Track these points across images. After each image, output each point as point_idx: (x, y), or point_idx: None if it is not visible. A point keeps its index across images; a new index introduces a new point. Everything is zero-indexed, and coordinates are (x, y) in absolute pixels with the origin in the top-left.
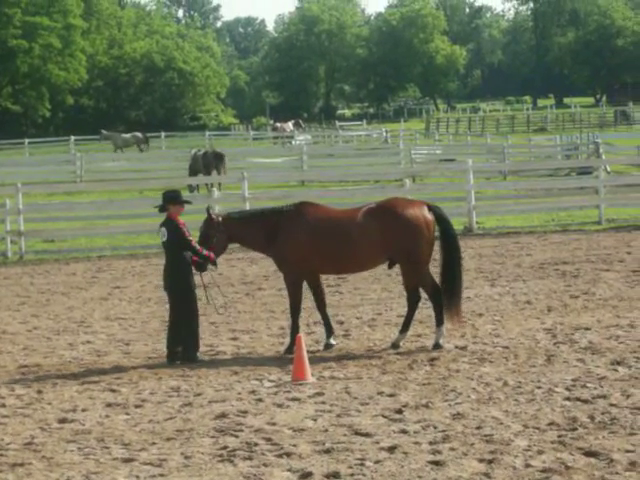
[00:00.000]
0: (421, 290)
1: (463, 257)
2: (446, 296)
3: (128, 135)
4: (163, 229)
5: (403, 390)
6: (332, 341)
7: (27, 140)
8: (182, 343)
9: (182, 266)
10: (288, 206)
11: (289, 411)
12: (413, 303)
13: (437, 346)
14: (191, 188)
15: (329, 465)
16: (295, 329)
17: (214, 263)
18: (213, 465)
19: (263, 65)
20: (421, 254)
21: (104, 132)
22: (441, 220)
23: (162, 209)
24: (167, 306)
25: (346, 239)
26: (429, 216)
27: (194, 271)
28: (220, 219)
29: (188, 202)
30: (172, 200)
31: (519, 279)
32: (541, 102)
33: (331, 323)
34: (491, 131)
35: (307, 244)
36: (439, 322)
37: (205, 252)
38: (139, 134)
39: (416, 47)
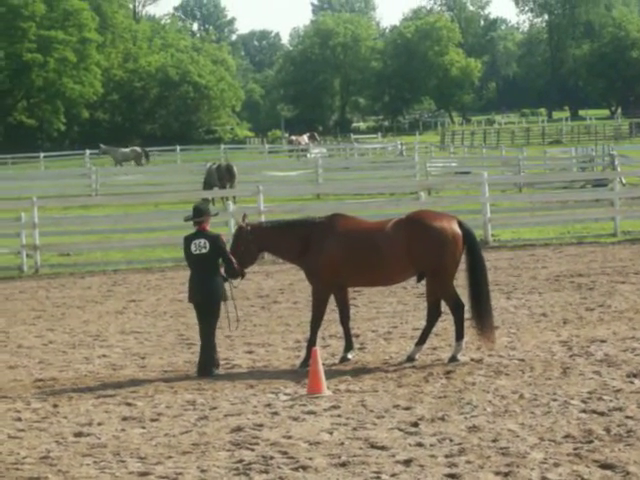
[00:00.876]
0: (443, 304)
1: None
2: (475, 314)
3: (127, 149)
4: (202, 240)
5: (419, 403)
6: (349, 355)
7: (42, 154)
8: (202, 355)
9: (219, 279)
10: (321, 217)
11: (305, 424)
12: (433, 317)
13: (454, 359)
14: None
15: (345, 478)
16: (312, 342)
17: (242, 274)
18: (229, 479)
19: (278, 78)
20: (447, 267)
21: (102, 146)
22: (468, 236)
23: (198, 222)
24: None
25: (375, 251)
26: (457, 230)
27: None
28: (249, 228)
29: (215, 214)
30: (206, 212)
31: (535, 291)
32: (556, 114)
33: (352, 338)
34: (506, 143)
35: (337, 256)
36: (459, 336)
37: (235, 265)
38: (138, 148)
39: (431, 60)
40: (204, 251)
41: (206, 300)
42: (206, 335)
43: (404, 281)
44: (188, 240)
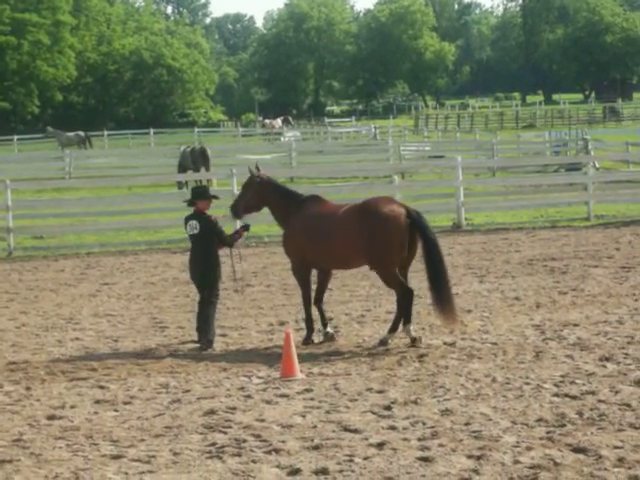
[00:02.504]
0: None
1: (451, 254)
2: (434, 298)
3: (71, 134)
4: (194, 222)
5: (392, 386)
6: (329, 330)
7: (16, 137)
8: (202, 329)
9: (213, 258)
10: (303, 196)
11: (278, 407)
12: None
13: (382, 343)
14: (180, 185)
15: (318, 461)
16: (308, 319)
17: (247, 228)
18: (202, 461)
19: (252, 62)
20: (387, 255)
21: (49, 129)
22: (418, 224)
23: (190, 203)
24: (159, 302)
25: (327, 234)
26: (401, 219)
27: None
28: (259, 180)
29: (216, 197)
30: (201, 195)
31: (508, 275)
32: (530, 98)
33: (314, 322)
34: (480, 127)
35: (299, 236)
36: (393, 328)
37: (236, 235)
38: (81, 133)
39: (405, 43)
40: (195, 232)
41: (202, 279)
42: (205, 314)
43: (359, 266)
44: (185, 221)
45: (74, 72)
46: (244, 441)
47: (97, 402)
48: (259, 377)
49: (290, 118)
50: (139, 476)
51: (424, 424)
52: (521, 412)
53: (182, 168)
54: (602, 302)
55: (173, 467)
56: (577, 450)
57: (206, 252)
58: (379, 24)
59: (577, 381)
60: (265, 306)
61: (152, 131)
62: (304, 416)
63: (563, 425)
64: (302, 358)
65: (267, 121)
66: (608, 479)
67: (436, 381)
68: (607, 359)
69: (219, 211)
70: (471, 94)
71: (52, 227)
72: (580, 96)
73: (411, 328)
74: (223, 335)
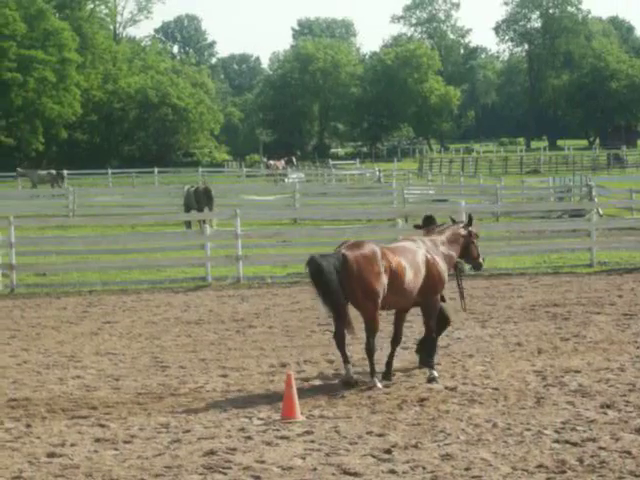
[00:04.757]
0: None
1: (454, 298)
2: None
3: (44, 172)
4: None
5: (392, 430)
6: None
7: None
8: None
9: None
10: None
11: (278, 449)
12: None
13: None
14: (188, 224)
15: None
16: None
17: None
18: None
19: (257, 102)
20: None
21: (19, 170)
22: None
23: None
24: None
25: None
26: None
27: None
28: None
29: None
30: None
31: (510, 321)
32: (534, 144)
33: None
34: (484, 172)
35: None
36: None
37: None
38: (53, 171)
39: (410, 87)
40: None
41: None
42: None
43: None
44: None
45: (79, 110)
46: None
47: (97, 441)
48: (260, 418)
49: (294, 159)
50: None
51: (424, 469)
52: (521, 458)
53: (187, 208)
54: (604, 349)
55: None
56: None
57: None
58: (385, 67)
59: (578, 428)
60: (267, 347)
61: (156, 170)
62: (304, 458)
63: (563, 472)
64: (303, 400)
65: (271, 162)
66: None
67: (437, 425)
68: (608, 406)
69: None
70: (476, 139)
71: (55, 264)
72: (585, 142)
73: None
74: (224, 376)
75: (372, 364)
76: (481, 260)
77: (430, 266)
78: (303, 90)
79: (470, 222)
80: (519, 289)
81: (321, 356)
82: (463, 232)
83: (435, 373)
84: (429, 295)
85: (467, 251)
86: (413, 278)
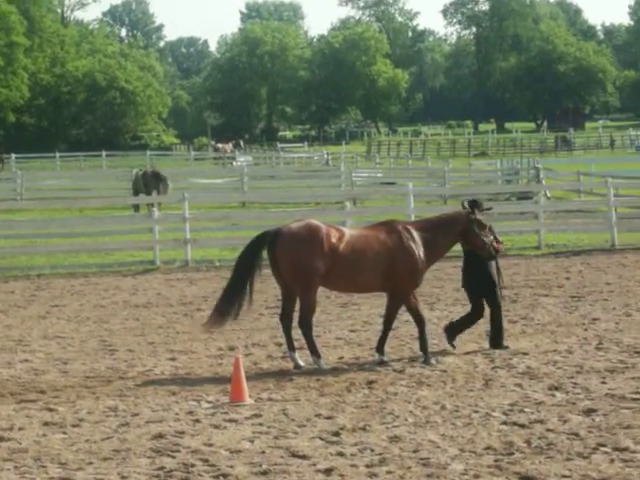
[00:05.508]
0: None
1: None
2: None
3: None
4: None
5: (341, 412)
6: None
7: None
8: (495, 333)
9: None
10: None
11: (226, 432)
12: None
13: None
14: (136, 208)
15: None
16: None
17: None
18: None
19: (205, 86)
20: None
21: None
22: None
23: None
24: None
25: None
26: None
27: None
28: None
29: (489, 209)
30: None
31: (458, 303)
32: (482, 127)
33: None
34: (432, 155)
35: None
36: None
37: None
38: None
39: (358, 70)
40: None
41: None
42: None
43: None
44: None
45: (27, 93)
46: (192, 465)
47: (46, 424)
48: (208, 402)
49: (241, 142)
50: None
51: (372, 451)
52: (469, 440)
53: (136, 191)
54: (552, 331)
55: None
56: (525, 479)
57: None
58: (333, 50)
59: (526, 410)
60: (215, 330)
61: (104, 154)
62: (252, 441)
63: (511, 453)
64: (251, 383)
65: (220, 145)
66: None
67: (385, 408)
68: (556, 388)
69: None
70: (424, 121)
71: (3, 248)
72: (532, 125)
73: (295, 355)
74: (172, 359)
75: (309, 343)
76: (490, 249)
77: (396, 252)
78: (251, 73)
79: (473, 209)
80: None
81: (269, 339)
82: (460, 219)
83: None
84: (396, 281)
85: (467, 238)
86: (366, 262)
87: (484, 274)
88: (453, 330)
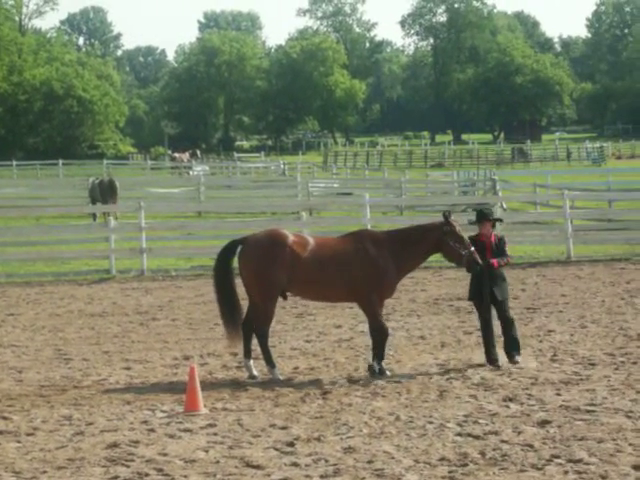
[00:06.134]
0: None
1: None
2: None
3: None
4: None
5: (295, 423)
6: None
7: None
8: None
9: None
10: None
11: (181, 442)
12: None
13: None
14: (94, 217)
15: None
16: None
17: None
18: None
19: (162, 95)
20: None
21: None
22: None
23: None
24: (64, 334)
25: None
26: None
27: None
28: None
29: (499, 220)
30: (486, 217)
31: (413, 314)
32: (439, 138)
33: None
34: (389, 166)
35: None
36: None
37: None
38: None
39: (316, 80)
40: None
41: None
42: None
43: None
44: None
45: None
46: (146, 475)
47: (0, 433)
48: (163, 411)
49: (198, 152)
50: None
51: (327, 461)
52: (424, 451)
53: (92, 200)
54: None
55: None
56: None
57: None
58: (290, 60)
59: (480, 421)
60: (170, 340)
61: (61, 162)
62: (207, 451)
63: (465, 465)
64: (206, 393)
65: (176, 154)
66: None
67: (339, 418)
68: (510, 399)
69: None
70: (381, 132)
71: None
72: (489, 136)
73: (250, 363)
74: (127, 368)
75: (264, 352)
76: (470, 260)
77: (358, 262)
78: (209, 83)
79: (446, 219)
80: (423, 283)
81: (224, 349)
82: (433, 230)
83: (381, 366)
84: (363, 290)
85: (442, 250)
86: (328, 272)
87: (499, 286)
88: (509, 347)
